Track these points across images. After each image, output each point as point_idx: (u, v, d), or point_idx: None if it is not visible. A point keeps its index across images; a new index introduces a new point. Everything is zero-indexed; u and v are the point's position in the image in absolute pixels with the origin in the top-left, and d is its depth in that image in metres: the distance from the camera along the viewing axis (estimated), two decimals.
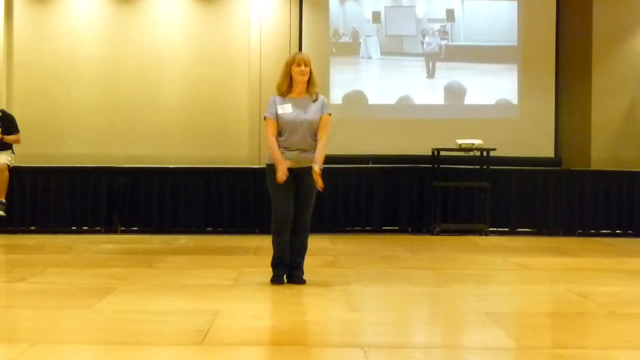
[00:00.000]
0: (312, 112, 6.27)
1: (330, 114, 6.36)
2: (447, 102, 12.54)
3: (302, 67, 6.25)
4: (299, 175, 6.26)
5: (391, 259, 8.29)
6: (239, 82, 12.27)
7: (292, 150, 6.23)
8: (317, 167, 6.15)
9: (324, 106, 6.33)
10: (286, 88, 6.31)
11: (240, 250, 8.84)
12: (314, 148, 6.26)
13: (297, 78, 6.27)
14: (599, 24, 12.12)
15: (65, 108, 12.18)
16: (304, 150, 6.25)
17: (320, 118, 6.28)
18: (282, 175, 6.13)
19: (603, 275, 7.24)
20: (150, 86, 12.24)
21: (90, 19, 12.26)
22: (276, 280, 6.32)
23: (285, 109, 6.24)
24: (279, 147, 6.23)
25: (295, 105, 6.27)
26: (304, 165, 6.24)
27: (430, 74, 12.48)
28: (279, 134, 6.27)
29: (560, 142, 12.47)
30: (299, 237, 6.34)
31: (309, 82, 6.30)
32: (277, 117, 6.25)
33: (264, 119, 6.37)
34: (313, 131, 6.28)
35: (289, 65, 6.30)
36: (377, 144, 12.07)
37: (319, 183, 6.13)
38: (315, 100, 6.30)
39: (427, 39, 12.45)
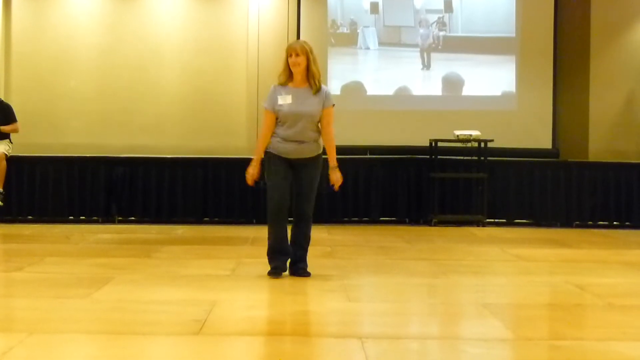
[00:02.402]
0: (312, 104, 6.07)
1: (333, 105, 6.18)
2: (445, 93, 12.52)
3: (294, 58, 6.04)
4: (297, 166, 6.14)
5: (389, 249, 8.30)
6: (237, 73, 12.25)
7: (291, 142, 6.08)
8: (336, 172, 6.22)
9: (326, 97, 6.13)
10: (285, 78, 6.13)
11: (238, 240, 8.84)
12: (314, 139, 6.14)
13: (292, 69, 6.09)
14: (597, 16, 12.11)
15: (63, 98, 12.16)
16: (302, 142, 6.09)
17: (324, 110, 6.11)
18: (248, 178, 6.20)
19: (601, 267, 7.25)
20: (149, 76, 12.22)
21: (89, 9, 12.23)
22: (274, 273, 6.11)
23: (286, 99, 6.06)
24: (277, 137, 6.12)
25: (296, 95, 6.08)
26: (304, 156, 6.12)
27: (427, 65, 12.46)
28: (280, 125, 6.12)
29: (558, 134, 12.47)
30: (301, 228, 6.20)
31: (308, 71, 6.09)
32: (277, 108, 6.09)
33: (264, 108, 6.24)
34: (314, 123, 6.13)
35: (286, 55, 6.11)
36: (375, 135, 12.05)
37: (338, 182, 6.21)
38: (316, 92, 6.09)
39: (423, 30, 12.43)
